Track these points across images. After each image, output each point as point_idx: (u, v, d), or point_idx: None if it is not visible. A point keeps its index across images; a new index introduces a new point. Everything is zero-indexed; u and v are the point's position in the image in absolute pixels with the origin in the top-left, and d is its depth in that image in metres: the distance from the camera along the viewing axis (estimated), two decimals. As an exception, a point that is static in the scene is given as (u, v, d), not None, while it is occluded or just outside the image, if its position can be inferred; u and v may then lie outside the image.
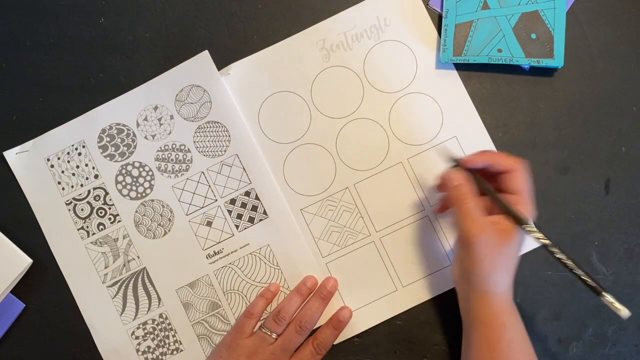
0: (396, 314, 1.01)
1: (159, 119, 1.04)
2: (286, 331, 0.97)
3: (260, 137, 1.03)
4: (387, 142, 1.03)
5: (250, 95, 1.04)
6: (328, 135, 1.03)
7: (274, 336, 0.97)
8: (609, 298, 0.72)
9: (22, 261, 1.01)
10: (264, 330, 0.97)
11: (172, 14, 1.05)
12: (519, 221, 0.85)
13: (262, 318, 1.00)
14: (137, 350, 1.02)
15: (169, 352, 1.02)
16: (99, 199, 1.03)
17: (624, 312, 0.69)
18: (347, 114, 1.03)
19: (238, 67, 1.04)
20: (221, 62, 1.04)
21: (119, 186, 1.03)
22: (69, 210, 1.03)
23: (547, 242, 0.83)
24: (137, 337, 1.02)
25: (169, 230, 1.03)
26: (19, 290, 1.02)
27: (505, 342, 0.87)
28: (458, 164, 0.91)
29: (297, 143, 1.03)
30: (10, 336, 1.03)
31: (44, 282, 1.03)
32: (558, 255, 0.82)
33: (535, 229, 0.85)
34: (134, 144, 1.04)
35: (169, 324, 1.02)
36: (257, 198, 1.03)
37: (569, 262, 0.81)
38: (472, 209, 0.86)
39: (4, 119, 1.04)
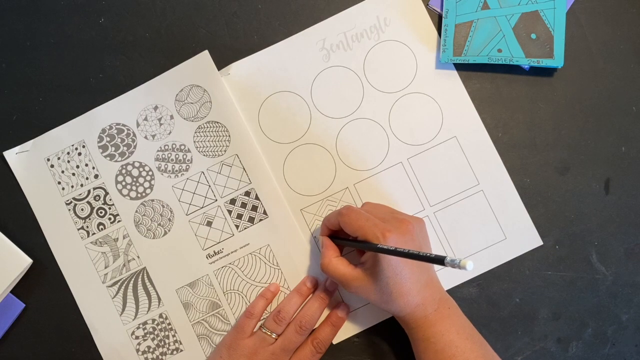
0: (396, 313, 1.01)
1: (159, 119, 1.04)
2: (286, 331, 0.97)
3: (260, 137, 1.03)
4: (387, 142, 1.03)
5: (250, 95, 1.04)
6: (328, 135, 1.03)
7: (274, 336, 0.97)
8: (449, 259, 0.72)
9: (22, 261, 1.01)
10: (264, 331, 0.97)
11: (172, 14, 1.05)
12: (374, 249, 0.88)
13: (262, 318, 1.00)
14: (137, 350, 1.02)
15: (169, 352, 1.02)
16: (99, 199, 1.03)
17: (468, 264, 0.70)
18: (347, 114, 1.03)
19: (238, 67, 1.04)
20: (221, 62, 1.04)
21: (119, 186, 1.03)
22: (69, 210, 1.03)
23: (391, 248, 0.84)
24: (137, 337, 1.02)
25: (169, 230, 1.03)
26: (19, 290, 1.02)
27: (434, 352, 0.90)
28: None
29: (297, 143, 1.03)
30: (10, 336, 1.03)
31: (44, 282, 1.03)
32: (401, 250, 0.83)
33: (383, 245, 0.86)
34: (134, 143, 1.04)
35: (169, 324, 1.02)
36: (257, 198, 1.03)
37: (415, 252, 0.81)
38: (335, 271, 0.94)
39: (4, 119, 1.04)
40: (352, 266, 0.93)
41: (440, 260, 0.74)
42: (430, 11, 1.03)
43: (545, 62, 0.99)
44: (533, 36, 1.00)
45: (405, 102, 1.03)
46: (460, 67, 1.03)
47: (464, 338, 0.90)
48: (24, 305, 1.02)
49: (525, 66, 1.01)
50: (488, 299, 1.00)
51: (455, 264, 0.71)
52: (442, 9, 1.02)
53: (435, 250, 1.02)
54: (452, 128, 1.03)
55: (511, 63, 1.00)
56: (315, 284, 1.01)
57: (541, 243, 1.01)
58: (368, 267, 0.90)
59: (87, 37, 1.05)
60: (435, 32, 1.03)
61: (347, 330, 1.02)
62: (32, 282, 1.03)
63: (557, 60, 0.99)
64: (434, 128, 1.03)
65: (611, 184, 1.01)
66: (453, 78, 1.03)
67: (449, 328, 0.90)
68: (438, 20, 1.03)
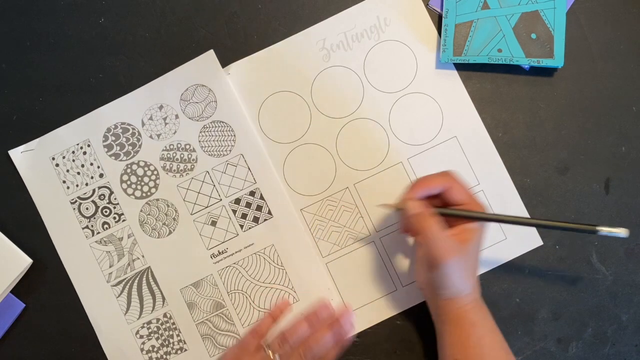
0: (396, 313, 1.02)
1: (164, 118, 1.04)
2: (291, 356, 0.95)
3: (261, 137, 1.04)
4: (387, 142, 1.03)
5: (250, 95, 1.04)
6: (328, 135, 1.04)
7: (277, 358, 0.97)
8: (604, 229, 0.73)
9: (22, 261, 1.02)
10: (267, 351, 0.96)
11: (172, 14, 1.05)
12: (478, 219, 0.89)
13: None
14: (142, 350, 1.03)
15: (173, 351, 1.03)
16: (104, 198, 1.04)
17: (623, 231, 0.71)
18: (347, 114, 1.04)
19: (238, 67, 1.04)
20: (221, 62, 1.04)
21: (124, 185, 1.04)
22: (74, 209, 1.04)
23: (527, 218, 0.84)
24: (141, 337, 1.03)
25: (174, 230, 1.04)
26: (19, 290, 1.03)
27: (475, 339, 0.89)
28: (403, 206, 0.92)
29: (297, 143, 1.04)
30: (10, 336, 1.03)
31: (44, 282, 1.03)
32: (543, 222, 0.83)
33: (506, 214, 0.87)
34: (139, 143, 1.04)
35: (173, 323, 1.03)
36: (261, 198, 1.03)
37: (556, 223, 0.82)
38: (438, 233, 0.88)
39: (4, 119, 1.05)
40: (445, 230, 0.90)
41: (593, 228, 0.74)
42: (430, 11, 1.04)
43: (545, 62, 0.99)
44: (533, 36, 1.00)
45: (405, 102, 1.03)
46: (460, 67, 1.03)
47: (498, 332, 0.92)
48: (24, 305, 1.03)
49: (525, 66, 1.02)
50: (488, 299, 0.99)
51: (610, 233, 0.72)
52: (442, 9, 1.02)
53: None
54: (452, 128, 1.03)
55: (511, 63, 1.00)
56: (329, 315, 0.99)
57: (541, 243, 1.02)
58: (457, 233, 0.90)
59: (87, 37, 1.05)
60: (435, 32, 1.03)
61: (348, 330, 1.03)
62: (32, 282, 1.03)
63: (557, 60, 0.99)
64: (434, 128, 1.03)
65: (611, 184, 1.02)
66: (453, 78, 1.03)
67: (488, 316, 0.92)
68: (438, 20, 1.03)
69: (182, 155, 1.04)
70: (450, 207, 0.92)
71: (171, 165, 1.04)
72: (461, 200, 0.90)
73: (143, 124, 1.04)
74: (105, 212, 1.04)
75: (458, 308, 0.90)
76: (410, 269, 1.03)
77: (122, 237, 1.04)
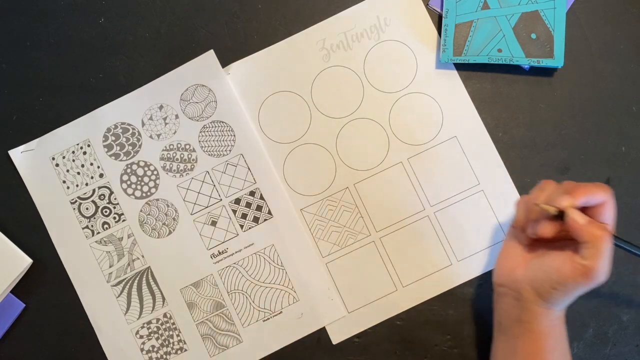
0: (396, 314, 1.02)
1: (164, 118, 1.04)
2: None
3: (261, 137, 1.04)
4: (387, 142, 1.03)
5: (250, 95, 1.04)
6: (328, 135, 1.04)
7: None
8: None
9: (22, 261, 1.01)
10: None
11: (172, 14, 1.05)
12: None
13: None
14: (142, 350, 1.03)
15: (173, 351, 1.03)
16: (104, 198, 1.04)
17: None
18: (347, 114, 1.04)
19: (238, 67, 1.04)
20: (221, 62, 1.04)
21: (124, 185, 1.04)
22: (74, 209, 1.04)
23: None
24: (141, 337, 1.03)
25: (174, 230, 1.03)
26: (19, 290, 1.03)
27: (558, 352, 0.88)
28: (563, 210, 0.83)
29: (297, 143, 1.04)
30: (10, 336, 1.03)
31: (44, 282, 1.03)
32: None
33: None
34: (139, 143, 1.04)
35: (173, 323, 1.03)
36: (261, 198, 1.03)
37: None
38: (609, 250, 0.81)
39: (4, 119, 1.05)
40: None
41: None
42: (430, 11, 1.04)
43: (545, 62, 0.99)
44: (533, 36, 1.00)
45: (405, 102, 1.03)
46: (460, 67, 1.03)
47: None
48: (24, 305, 1.03)
49: (525, 66, 1.02)
50: (489, 299, 1.00)
51: None
52: (442, 9, 1.02)
53: (435, 250, 1.03)
54: (452, 128, 1.03)
55: (511, 63, 1.00)
56: None
57: (542, 243, 1.01)
58: None
59: (87, 37, 1.05)
60: (435, 32, 1.03)
61: (347, 330, 1.02)
62: (32, 282, 1.03)
63: (557, 60, 0.99)
64: (434, 128, 1.03)
65: (611, 184, 1.01)
66: (453, 78, 1.03)
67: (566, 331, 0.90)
68: (438, 20, 1.03)
69: (182, 155, 1.04)
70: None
71: (171, 165, 1.04)
72: (608, 221, 0.85)
73: (143, 124, 1.04)
74: (105, 212, 1.04)
75: (552, 319, 0.87)
76: (411, 269, 1.03)
77: (122, 237, 1.04)
